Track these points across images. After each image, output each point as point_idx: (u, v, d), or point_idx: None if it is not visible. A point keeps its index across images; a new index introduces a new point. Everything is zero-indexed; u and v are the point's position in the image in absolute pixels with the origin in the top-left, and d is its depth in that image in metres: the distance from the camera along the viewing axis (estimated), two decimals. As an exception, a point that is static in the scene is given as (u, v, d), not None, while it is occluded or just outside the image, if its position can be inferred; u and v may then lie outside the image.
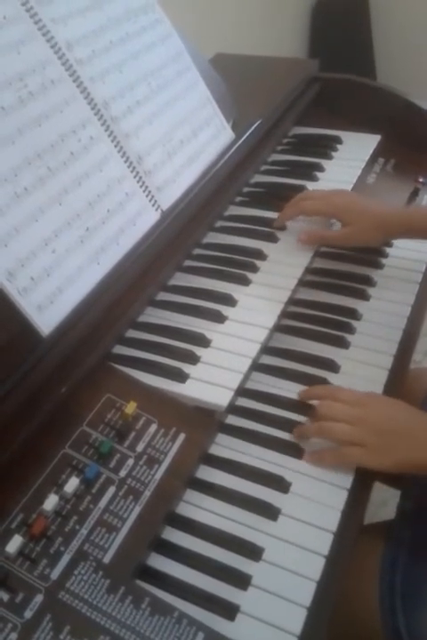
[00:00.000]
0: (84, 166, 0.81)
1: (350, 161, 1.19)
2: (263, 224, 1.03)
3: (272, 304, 0.90)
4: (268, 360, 0.87)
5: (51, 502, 0.64)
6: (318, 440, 0.76)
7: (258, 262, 0.96)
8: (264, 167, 1.18)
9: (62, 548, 0.62)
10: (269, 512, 0.70)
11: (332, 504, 0.71)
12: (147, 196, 0.89)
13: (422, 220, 0.98)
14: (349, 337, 0.91)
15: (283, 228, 1.02)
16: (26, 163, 0.75)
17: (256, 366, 0.85)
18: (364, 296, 0.97)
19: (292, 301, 0.94)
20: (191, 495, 0.71)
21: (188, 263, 0.96)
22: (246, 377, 0.82)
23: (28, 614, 0.57)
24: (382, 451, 0.73)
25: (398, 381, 0.86)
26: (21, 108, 0.76)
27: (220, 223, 1.04)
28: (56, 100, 0.80)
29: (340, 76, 1.32)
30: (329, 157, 1.20)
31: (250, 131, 1.08)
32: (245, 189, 1.12)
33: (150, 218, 0.89)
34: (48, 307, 0.73)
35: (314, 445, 0.76)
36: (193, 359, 0.81)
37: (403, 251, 1.06)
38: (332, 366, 0.86)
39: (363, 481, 0.74)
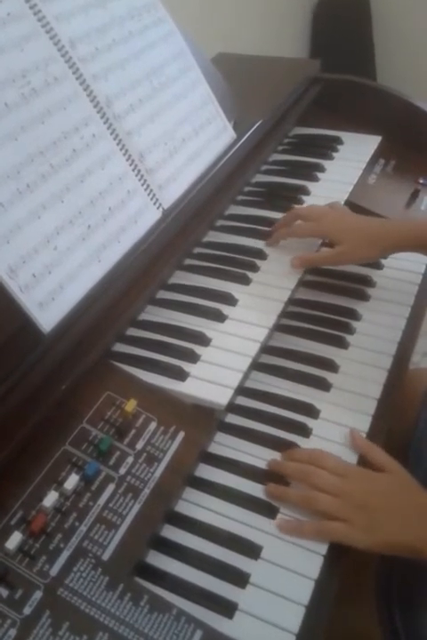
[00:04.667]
0: (86, 164, 0.81)
1: (350, 161, 1.19)
2: (264, 223, 1.04)
3: (272, 303, 0.90)
4: (267, 359, 0.87)
5: (50, 499, 0.64)
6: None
7: (258, 262, 0.96)
8: (265, 167, 1.18)
9: (62, 545, 0.62)
10: (268, 510, 0.70)
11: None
12: (148, 194, 0.89)
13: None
14: (348, 337, 0.91)
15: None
16: (28, 160, 0.75)
17: (256, 365, 0.85)
18: (363, 296, 0.98)
19: (292, 301, 0.95)
20: (190, 493, 0.71)
21: (188, 262, 0.97)
22: (246, 376, 0.82)
23: (27, 610, 0.57)
24: (367, 529, 0.67)
25: (397, 381, 0.87)
26: (24, 105, 0.76)
27: (220, 222, 1.05)
28: (59, 98, 0.80)
29: (341, 77, 1.32)
30: (330, 158, 1.20)
31: (251, 130, 1.08)
32: (246, 189, 1.12)
33: (152, 216, 0.89)
34: (49, 304, 0.73)
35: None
36: (193, 358, 0.81)
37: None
38: (331, 366, 0.87)
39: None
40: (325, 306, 0.95)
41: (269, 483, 0.72)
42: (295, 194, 1.10)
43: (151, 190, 0.90)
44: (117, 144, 0.87)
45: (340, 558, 0.68)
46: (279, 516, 0.70)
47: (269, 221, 1.04)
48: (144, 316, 0.87)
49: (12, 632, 0.56)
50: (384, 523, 0.67)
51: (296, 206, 1.03)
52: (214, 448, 0.76)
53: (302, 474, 0.72)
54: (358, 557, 0.74)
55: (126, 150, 0.88)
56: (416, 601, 0.76)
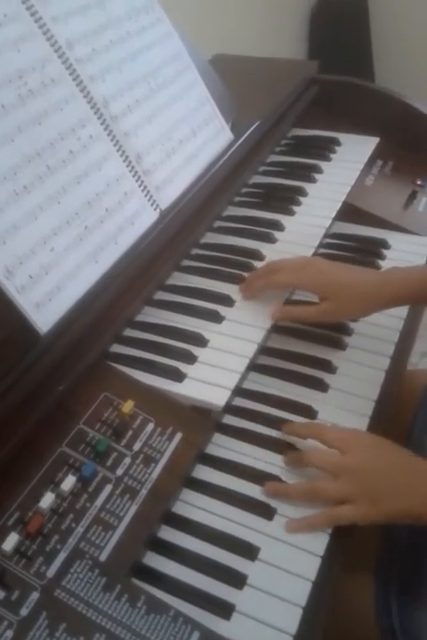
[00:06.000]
0: (83, 165, 0.81)
1: (348, 163, 1.19)
2: (261, 225, 1.04)
3: (270, 305, 0.90)
4: (265, 360, 0.87)
5: (47, 500, 0.64)
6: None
7: (256, 263, 0.96)
8: (263, 168, 1.18)
9: (58, 546, 0.62)
10: (266, 512, 0.70)
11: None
12: (145, 195, 0.89)
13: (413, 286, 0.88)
14: (346, 338, 0.91)
15: (286, 232, 1.01)
16: (25, 161, 0.75)
17: (253, 366, 0.85)
18: (361, 298, 0.97)
19: (289, 302, 0.94)
20: (188, 494, 0.71)
21: (186, 263, 0.97)
22: (243, 377, 0.82)
23: (23, 612, 0.57)
24: (372, 503, 0.69)
25: (395, 382, 0.87)
26: (21, 107, 0.76)
27: (218, 223, 1.05)
28: (56, 99, 0.80)
29: (339, 78, 1.32)
30: (327, 159, 1.20)
31: (249, 131, 1.08)
32: (244, 190, 1.12)
33: (149, 217, 0.89)
34: (46, 305, 0.73)
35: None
36: (190, 359, 0.81)
37: (399, 253, 1.06)
38: (328, 367, 0.87)
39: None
40: (322, 307, 0.95)
41: (267, 482, 0.72)
42: (293, 195, 1.10)
43: (148, 191, 0.90)
44: (114, 145, 0.87)
45: (337, 559, 0.68)
46: (277, 517, 0.69)
47: (266, 223, 1.04)
48: (141, 317, 0.87)
49: (9, 633, 0.56)
50: (387, 493, 0.69)
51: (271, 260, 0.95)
52: (212, 449, 0.76)
53: (300, 461, 0.73)
54: (355, 557, 0.74)
55: (123, 151, 0.88)
56: (414, 600, 0.76)
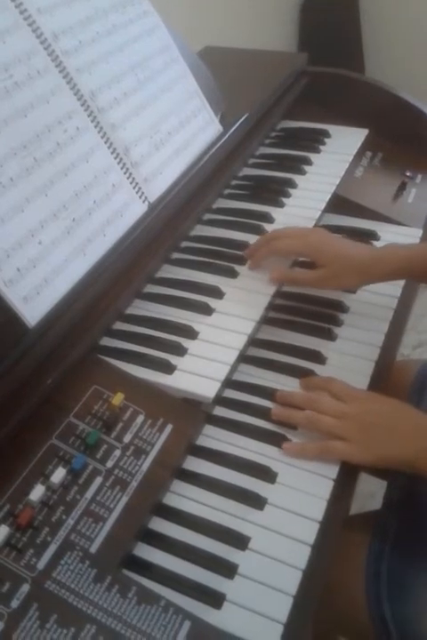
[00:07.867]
0: (70, 157, 0.81)
1: (337, 154, 1.19)
2: (251, 217, 1.04)
3: (259, 296, 0.90)
4: (255, 352, 0.87)
5: (37, 493, 0.64)
6: (299, 430, 0.77)
7: (246, 255, 0.96)
8: (252, 160, 1.18)
9: (49, 538, 0.62)
10: (256, 502, 0.70)
11: (318, 494, 0.71)
12: (134, 187, 0.89)
13: (411, 262, 0.91)
14: (335, 329, 0.91)
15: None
16: (11, 153, 0.74)
17: (243, 358, 0.85)
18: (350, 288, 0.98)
19: (279, 294, 0.95)
20: (178, 485, 0.71)
21: (175, 255, 0.96)
22: (234, 368, 0.82)
23: (14, 604, 0.57)
24: (365, 445, 0.74)
25: (384, 373, 0.87)
26: (6, 99, 0.76)
27: (208, 216, 1.04)
28: (42, 91, 0.80)
29: (328, 70, 1.32)
30: (317, 151, 1.20)
31: (238, 124, 1.08)
32: (234, 182, 1.12)
33: (137, 209, 0.89)
34: (34, 298, 0.73)
35: (295, 434, 0.77)
36: (180, 351, 0.81)
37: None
38: (318, 358, 0.87)
39: (349, 471, 0.74)
40: (312, 298, 0.95)
41: (275, 406, 0.78)
42: (283, 187, 1.10)
43: (137, 183, 0.90)
44: (102, 137, 0.87)
45: (327, 548, 0.68)
46: (268, 507, 0.70)
47: (256, 215, 1.04)
48: (131, 310, 0.87)
49: (0, 625, 0.56)
50: (382, 439, 0.74)
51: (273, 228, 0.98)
52: (202, 440, 0.76)
53: (308, 401, 0.78)
54: (346, 546, 0.74)
55: (111, 143, 0.88)
56: (404, 589, 0.77)
